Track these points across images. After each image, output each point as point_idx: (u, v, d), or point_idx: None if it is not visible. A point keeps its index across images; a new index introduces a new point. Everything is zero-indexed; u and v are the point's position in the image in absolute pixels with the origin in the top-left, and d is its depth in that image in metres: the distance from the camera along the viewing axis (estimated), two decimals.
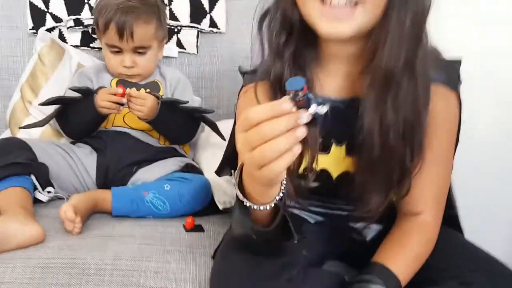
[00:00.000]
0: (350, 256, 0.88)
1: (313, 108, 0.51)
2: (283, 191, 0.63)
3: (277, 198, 0.62)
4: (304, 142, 0.57)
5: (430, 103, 0.74)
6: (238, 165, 0.64)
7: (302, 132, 0.51)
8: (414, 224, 0.78)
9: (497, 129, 1.31)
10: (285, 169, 0.53)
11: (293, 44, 0.74)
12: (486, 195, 1.34)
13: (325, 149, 0.79)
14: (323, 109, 0.52)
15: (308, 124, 0.51)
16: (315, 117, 0.52)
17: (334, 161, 0.80)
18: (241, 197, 0.63)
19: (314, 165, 0.76)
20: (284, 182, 0.62)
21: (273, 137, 0.50)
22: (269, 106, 0.51)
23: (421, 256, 0.76)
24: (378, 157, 0.73)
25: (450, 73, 0.77)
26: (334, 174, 0.81)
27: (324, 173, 0.81)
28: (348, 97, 0.77)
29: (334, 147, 0.80)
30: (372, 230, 0.87)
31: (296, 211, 0.88)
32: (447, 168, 0.79)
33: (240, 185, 0.64)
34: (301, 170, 0.77)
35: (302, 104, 0.51)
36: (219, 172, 0.98)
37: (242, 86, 0.87)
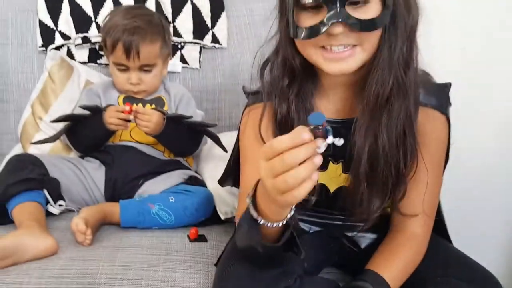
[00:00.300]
0: (346, 263, 0.93)
1: (331, 139, 0.56)
2: (293, 209, 0.67)
3: (288, 216, 0.67)
4: None
5: (422, 124, 0.79)
6: (252, 184, 0.68)
7: (319, 159, 0.55)
8: (405, 236, 0.82)
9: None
10: (306, 194, 0.57)
11: (297, 85, 0.79)
12: (479, 210, 1.39)
13: (323, 166, 0.84)
14: (340, 142, 0.57)
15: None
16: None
17: (331, 177, 0.85)
18: (255, 215, 0.67)
19: None
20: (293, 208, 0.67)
21: (295, 165, 0.55)
22: (291, 136, 0.55)
23: (411, 265, 0.81)
24: (370, 171, 0.77)
25: (440, 97, 0.82)
26: (331, 188, 0.87)
27: (322, 188, 0.86)
28: (344, 118, 0.82)
29: (331, 165, 0.85)
30: (366, 238, 0.92)
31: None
32: (437, 182, 0.84)
33: (253, 203, 0.67)
34: None
35: (319, 134, 0.55)
36: (222, 182, 1.03)
37: (246, 106, 0.91)
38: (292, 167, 0.55)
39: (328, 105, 0.83)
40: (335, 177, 0.86)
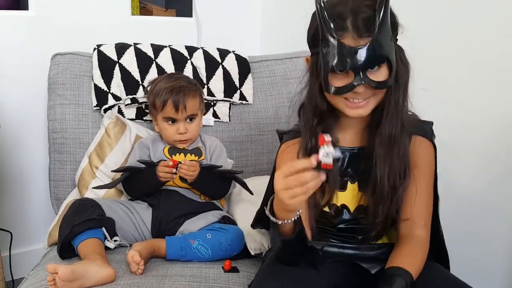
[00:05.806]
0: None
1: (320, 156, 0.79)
2: (298, 215, 0.90)
3: (295, 217, 0.90)
4: (327, 181, 0.85)
5: (413, 148, 1.03)
6: (270, 201, 0.91)
7: (323, 177, 0.80)
8: (415, 240, 1.01)
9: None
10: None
11: (323, 123, 1.01)
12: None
13: (342, 187, 1.06)
14: (337, 154, 0.80)
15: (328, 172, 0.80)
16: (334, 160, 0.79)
17: (350, 197, 1.05)
18: (273, 219, 0.90)
19: (334, 199, 1.04)
20: (298, 212, 0.90)
21: (304, 183, 0.79)
22: (305, 161, 0.79)
23: (423, 261, 0.99)
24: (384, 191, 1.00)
25: (425, 129, 1.07)
26: (351, 208, 1.06)
27: (344, 208, 1.06)
28: (357, 146, 1.06)
29: (349, 185, 1.06)
30: (375, 266, 1.07)
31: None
32: (429, 194, 1.05)
33: (271, 212, 0.91)
34: (323, 202, 1.03)
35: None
36: (254, 226, 1.22)
37: (282, 143, 1.13)
38: (302, 184, 0.79)
39: (346, 137, 1.06)
40: (353, 197, 1.05)
